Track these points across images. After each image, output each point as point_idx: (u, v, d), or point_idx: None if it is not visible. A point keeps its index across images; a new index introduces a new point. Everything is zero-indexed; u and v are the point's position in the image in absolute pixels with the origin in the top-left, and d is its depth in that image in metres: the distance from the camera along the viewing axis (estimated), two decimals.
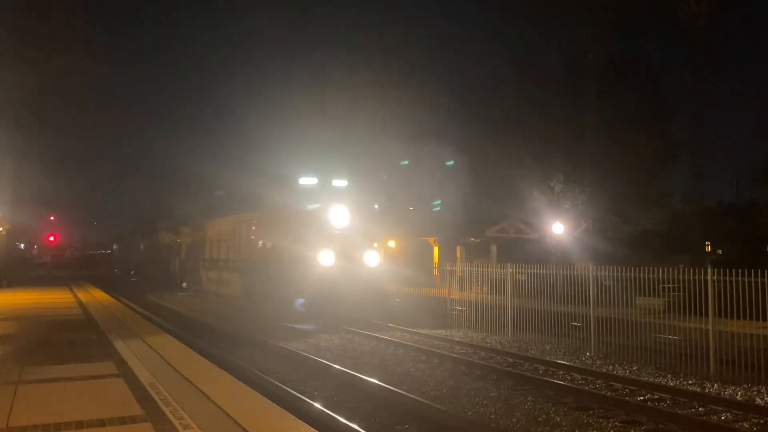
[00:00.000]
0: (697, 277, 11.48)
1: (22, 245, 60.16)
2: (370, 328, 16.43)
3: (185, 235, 31.90)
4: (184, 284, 30.87)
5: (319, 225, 17.35)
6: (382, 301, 18.01)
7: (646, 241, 30.16)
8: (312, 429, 5.45)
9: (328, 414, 8.11)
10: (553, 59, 45.44)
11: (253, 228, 20.37)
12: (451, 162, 30.45)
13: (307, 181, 18.67)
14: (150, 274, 39.96)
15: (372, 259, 17.84)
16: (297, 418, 5.79)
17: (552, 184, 28.58)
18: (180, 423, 5.59)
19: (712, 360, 11.12)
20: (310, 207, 17.83)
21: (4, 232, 31.77)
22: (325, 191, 18.37)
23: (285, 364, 12.36)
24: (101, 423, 5.61)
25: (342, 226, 17.54)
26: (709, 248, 33.74)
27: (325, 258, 16.77)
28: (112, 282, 38.61)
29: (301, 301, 17.19)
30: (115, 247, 65.77)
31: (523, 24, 31.92)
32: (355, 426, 7.62)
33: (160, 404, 6.26)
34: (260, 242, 19.61)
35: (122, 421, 5.68)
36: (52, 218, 69.20)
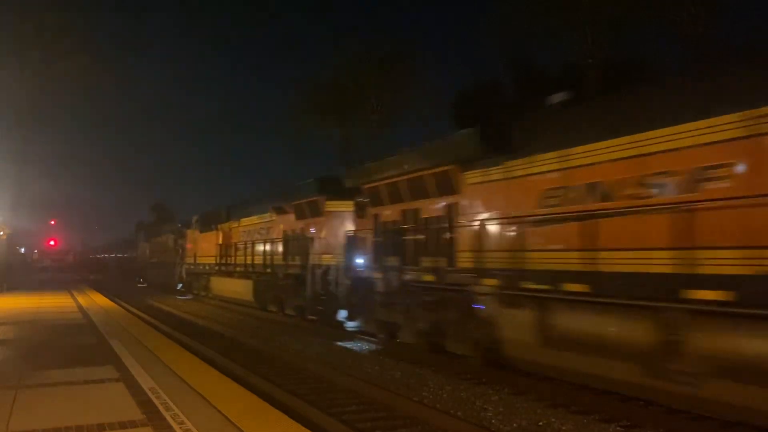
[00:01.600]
0: None
1: (23, 249, 60.25)
2: None
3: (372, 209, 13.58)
4: (346, 318, 14.40)
5: None
6: None
7: None
8: None
9: None
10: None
11: None
12: None
13: None
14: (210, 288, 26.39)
15: None
16: (304, 427, 5.72)
17: None
18: (181, 428, 5.54)
19: None
20: None
21: (4, 236, 31.75)
22: None
23: None
24: (101, 428, 5.58)
25: None
26: None
27: None
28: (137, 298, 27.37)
29: None
30: (143, 246, 45.26)
31: None
32: None
33: (161, 409, 6.22)
34: None
35: (122, 425, 5.64)
36: (52, 222, 69.42)
